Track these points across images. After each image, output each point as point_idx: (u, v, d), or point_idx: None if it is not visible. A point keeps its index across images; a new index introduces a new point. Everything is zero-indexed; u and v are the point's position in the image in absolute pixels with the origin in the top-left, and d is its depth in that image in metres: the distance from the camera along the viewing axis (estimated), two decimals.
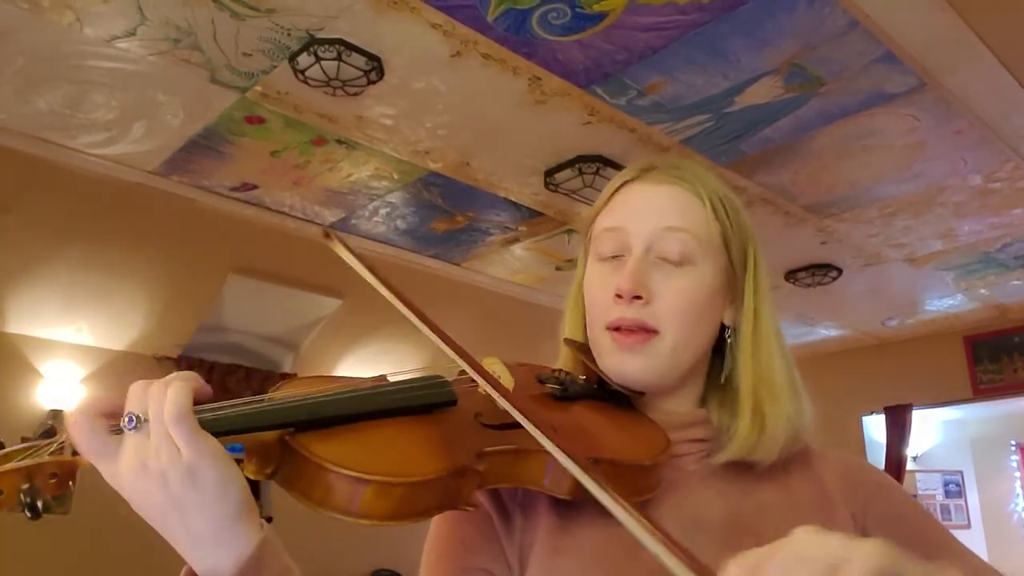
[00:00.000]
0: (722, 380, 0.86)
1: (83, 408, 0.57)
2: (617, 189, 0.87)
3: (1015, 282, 5.33)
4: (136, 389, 0.58)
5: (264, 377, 5.42)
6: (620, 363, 0.80)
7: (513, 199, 4.22)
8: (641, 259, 0.80)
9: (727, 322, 0.86)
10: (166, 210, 4.16)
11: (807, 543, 0.48)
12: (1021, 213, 4.29)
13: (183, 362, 5.08)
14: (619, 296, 0.79)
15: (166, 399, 0.56)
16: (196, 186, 4.07)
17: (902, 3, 2.65)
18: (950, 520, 7.30)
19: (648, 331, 0.79)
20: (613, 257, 0.83)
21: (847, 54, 2.91)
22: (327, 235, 0.72)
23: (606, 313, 0.81)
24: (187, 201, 4.14)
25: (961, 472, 7.67)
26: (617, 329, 0.80)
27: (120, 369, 4.90)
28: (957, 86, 3.12)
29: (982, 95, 3.19)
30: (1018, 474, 7.51)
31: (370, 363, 5.68)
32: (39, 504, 0.57)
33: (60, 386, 4.68)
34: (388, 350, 5.68)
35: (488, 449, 0.67)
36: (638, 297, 0.79)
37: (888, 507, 0.82)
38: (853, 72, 3.02)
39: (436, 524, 0.80)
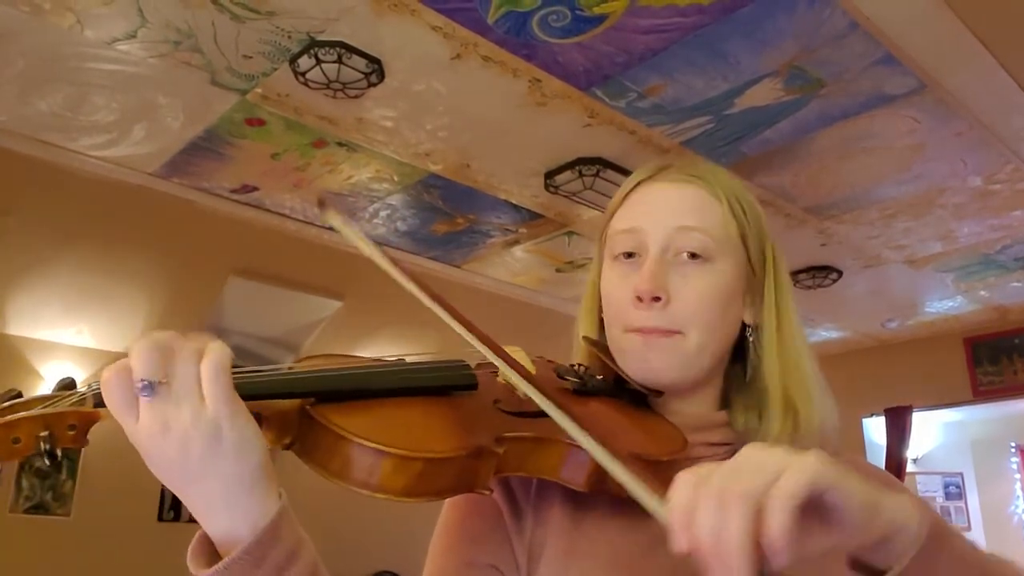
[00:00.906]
0: (747, 380, 0.85)
1: (121, 365, 0.57)
2: (632, 189, 0.86)
3: (1015, 284, 5.33)
4: (146, 353, 0.56)
5: None
6: (643, 361, 0.79)
7: (513, 201, 4.22)
8: (658, 259, 0.80)
9: (748, 321, 0.84)
10: (166, 212, 4.16)
11: (750, 455, 0.51)
12: (1021, 215, 4.29)
13: None
14: (639, 298, 0.78)
15: (208, 353, 0.57)
16: (196, 188, 4.07)
17: (902, 5, 2.66)
18: (950, 522, 7.29)
19: (671, 332, 0.79)
20: (628, 257, 0.82)
21: (847, 56, 2.91)
22: (321, 203, 0.71)
23: (625, 315, 0.80)
24: (187, 203, 4.14)
25: (961, 474, 7.66)
26: (639, 330, 0.79)
27: None
28: (957, 88, 3.12)
29: (982, 97, 3.19)
30: (1018, 476, 7.50)
31: None
32: (58, 452, 0.56)
33: None
34: (389, 352, 5.64)
35: (507, 434, 0.67)
36: (657, 298, 0.78)
37: None
38: (853, 74, 3.02)
39: (445, 516, 0.80)
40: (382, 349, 5.65)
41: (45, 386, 4.64)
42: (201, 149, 3.69)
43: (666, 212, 0.81)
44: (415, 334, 5.48)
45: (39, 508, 4.52)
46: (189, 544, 0.59)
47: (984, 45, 2.87)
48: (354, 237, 0.69)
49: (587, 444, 0.60)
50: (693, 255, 0.79)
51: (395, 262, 0.68)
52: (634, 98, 3.21)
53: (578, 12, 2.68)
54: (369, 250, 0.68)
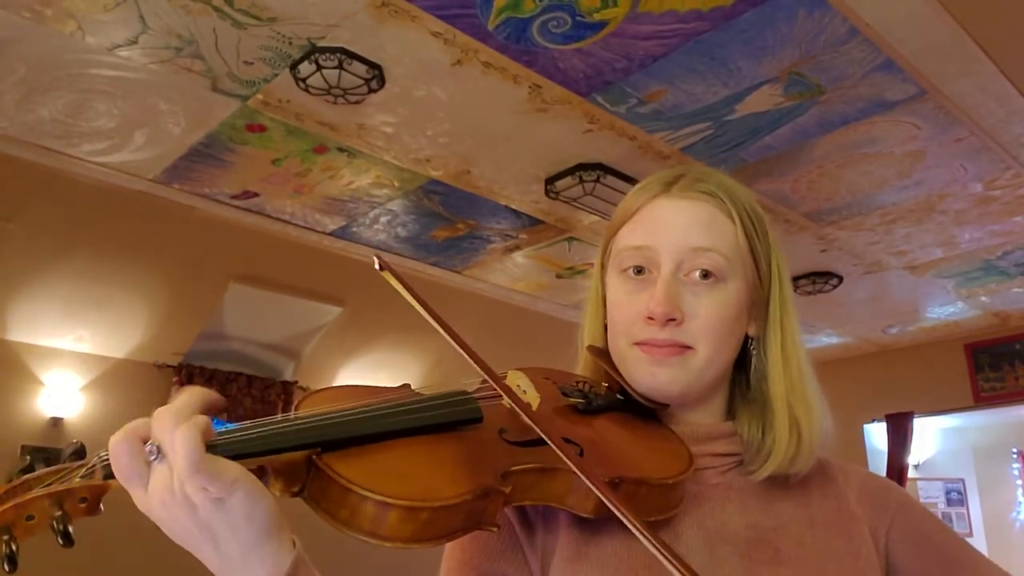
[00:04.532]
0: (750, 392, 0.85)
1: (129, 431, 0.56)
2: (643, 204, 0.84)
3: (1016, 289, 5.33)
4: (159, 418, 0.56)
5: (265, 385, 5.42)
6: (650, 375, 0.79)
7: (514, 207, 4.22)
8: (671, 280, 0.79)
9: (752, 334, 0.85)
10: (167, 218, 4.17)
11: None
12: (1021, 221, 4.29)
13: (183, 370, 5.08)
14: (651, 318, 0.78)
15: (175, 450, 0.53)
16: (197, 194, 4.08)
17: (902, 11, 2.66)
18: (951, 528, 7.27)
19: (682, 347, 0.79)
20: (638, 273, 0.82)
21: (847, 62, 2.92)
22: (381, 267, 0.68)
23: (633, 330, 0.80)
24: (188, 209, 4.14)
25: (963, 480, 7.65)
26: (647, 344, 0.79)
27: (121, 377, 4.90)
28: (957, 94, 3.13)
29: (982, 103, 3.20)
30: (1020, 482, 7.49)
31: (371, 371, 5.68)
32: (71, 530, 0.57)
33: (61, 394, 4.67)
34: (389, 358, 5.68)
35: (513, 468, 0.67)
36: (671, 319, 0.78)
37: (911, 525, 0.83)
38: (853, 80, 3.03)
39: None
40: (382, 355, 5.65)
41: (46, 391, 4.63)
42: (202, 155, 3.69)
43: (679, 231, 0.80)
44: (415, 340, 5.48)
45: None
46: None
47: (984, 51, 2.87)
48: (408, 297, 0.69)
49: (589, 485, 0.62)
50: (705, 274, 0.79)
51: (439, 319, 0.68)
52: (634, 104, 3.21)
53: (578, 18, 2.69)
54: (419, 307, 0.69)
